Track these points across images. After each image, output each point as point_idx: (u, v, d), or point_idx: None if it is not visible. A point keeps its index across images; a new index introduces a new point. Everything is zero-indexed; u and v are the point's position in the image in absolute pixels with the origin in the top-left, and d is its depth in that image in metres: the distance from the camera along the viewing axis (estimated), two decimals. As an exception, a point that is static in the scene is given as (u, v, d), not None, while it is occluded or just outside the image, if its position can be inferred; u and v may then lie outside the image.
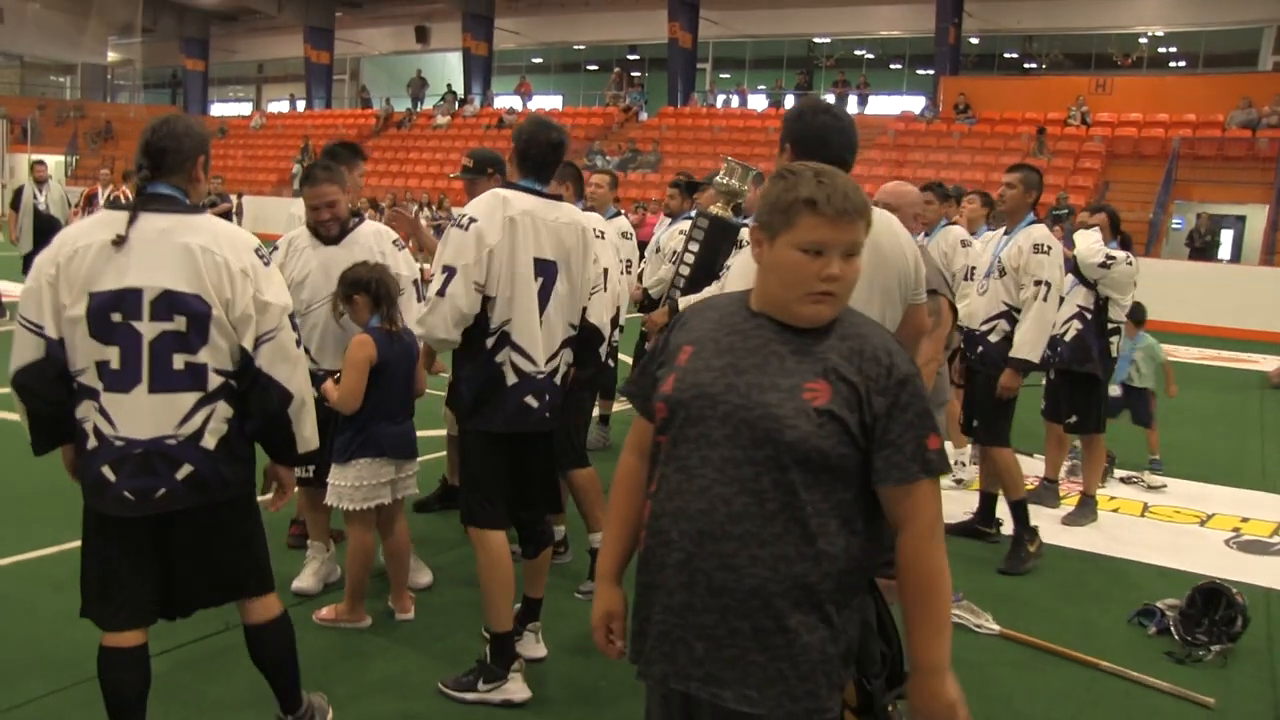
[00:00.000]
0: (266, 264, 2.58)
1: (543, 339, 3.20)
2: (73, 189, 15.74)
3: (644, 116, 27.19)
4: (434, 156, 25.97)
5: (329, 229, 3.85)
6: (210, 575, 2.63)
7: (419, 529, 4.54)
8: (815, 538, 1.70)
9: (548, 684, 3.41)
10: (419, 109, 30.07)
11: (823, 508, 1.71)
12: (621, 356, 6.33)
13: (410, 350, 3.68)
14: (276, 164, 27.68)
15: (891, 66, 29.99)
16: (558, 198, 3.35)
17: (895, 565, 1.85)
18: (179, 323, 2.43)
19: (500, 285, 3.10)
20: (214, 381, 2.49)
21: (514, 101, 29.15)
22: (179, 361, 2.44)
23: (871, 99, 26.38)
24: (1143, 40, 25.69)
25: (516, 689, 3.26)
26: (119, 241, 2.41)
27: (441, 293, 3.06)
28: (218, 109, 37.81)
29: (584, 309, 3.36)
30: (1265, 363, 12.22)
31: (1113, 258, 5.41)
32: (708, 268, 4.21)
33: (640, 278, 6.27)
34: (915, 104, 24.49)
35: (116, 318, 2.41)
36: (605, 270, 4.10)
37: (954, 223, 6.03)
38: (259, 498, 2.71)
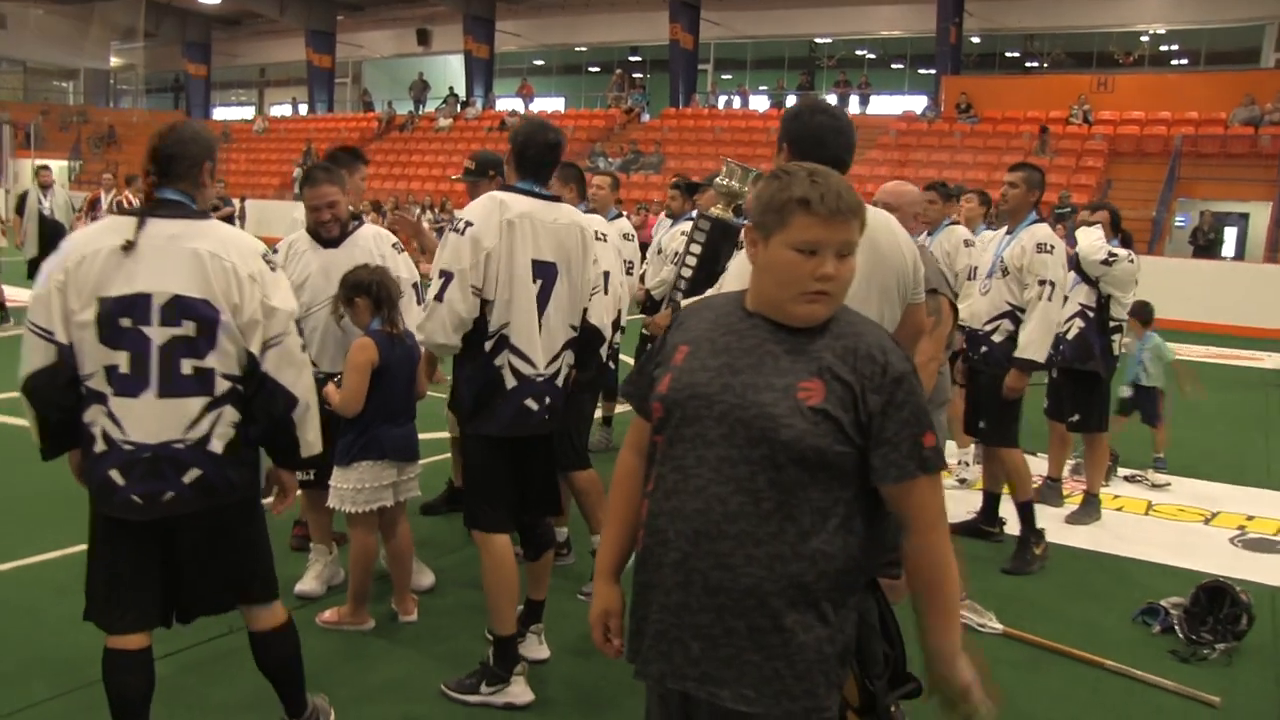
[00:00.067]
0: (274, 269, 2.60)
1: (543, 341, 3.19)
2: (76, 194, 15.77)
3: (646, 118, 27.23)
4: (436, 159, 26.00)
5: (329, 230, 3.86)
6: (215, 579, 2.64)
7: (422, 531, 4.55)
8: (811, 536, 1.71)
9: (550, 685, 3.41)
10: (421, 112, 30.12)
11: (819, 506, 1.72)
12: (623, 358, 6.33)
13: (411, 353, 3.68)
14: (279, 168, 27.72)
15: (893, 66, 29.99)
16: (556, 198, 3.34)
17: (900, 562, 1.86)
18: (188, 328, 2.45)
19: (498, 289, 3.10)
20: (221, 386, 2.51)
21: (516, 104, 29.18)
22: (187, 366, 2.46)
23: (873, 99, 26.39)
24: (1144, 38, 25.65)
25: (519, 692, 3.26)
26: (128, 247, 2.43)
27: (439, 298, 3.06)
28: (220, 113, 37.90)
29: (584, 310, 3.36)
30: (1269, 360, 12.21)
31: (1115, 255, 5.41)
32: (709, 269, 4.21)
33: (642, 279, 6.27)
34: (917, 104, 24.49)
35: (126, 323, 2.43)
36: (607, 273, 4.10)
37: (955, 222, 6.02)
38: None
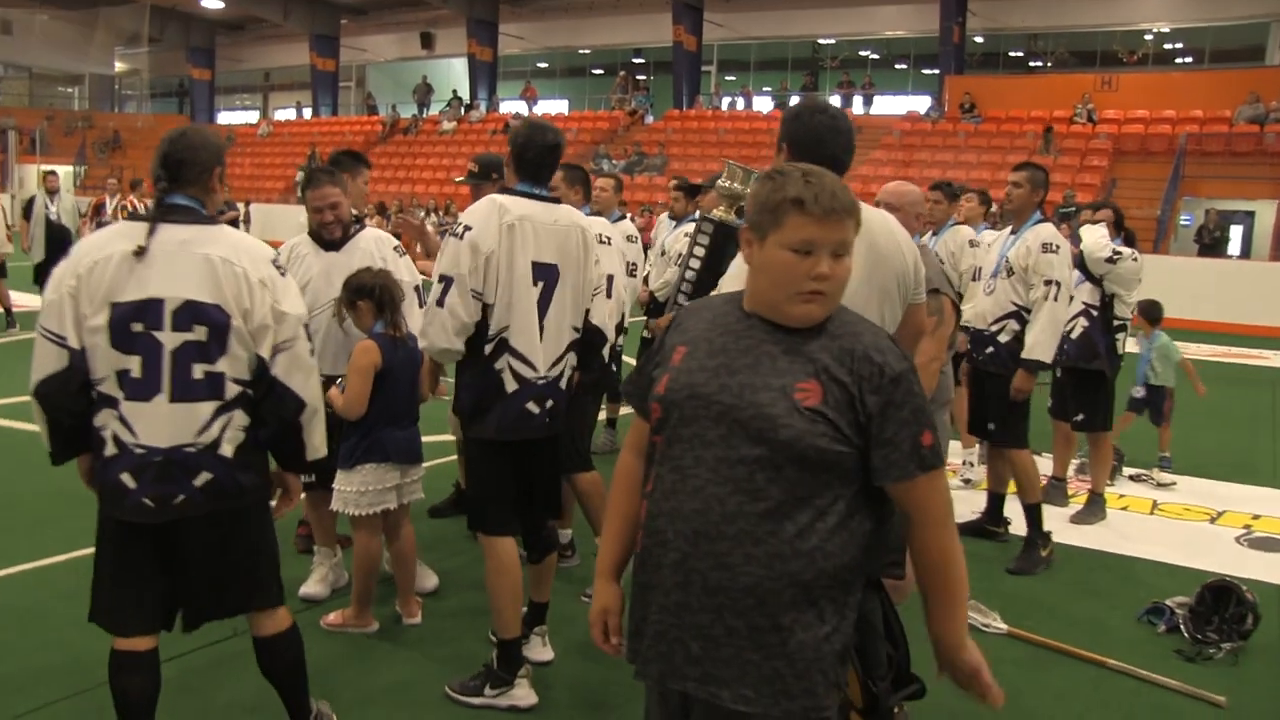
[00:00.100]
0: (283, 274, 2.62)
1: (545, 344, 3.19)
2: (81, 199, 15.83)
3: (649, 120, 27.25)
4: (440, 162, 26.06)
5: (331, 231, 3.87)
6: (223, 583, 2.65)
7: (425, 533, 4.55)
8: (810, 534, 1.71)
9: (554, 687, 3.41)
10: (425, 115, 30.18)
11: (818, 504, 1.72)
12: (626, 359, 6.33)
13: (414, 356, 3.68)
14: (284, 172, 27.80)
15: (896, 66, 29.96)
16: (556, 200, 3.34)
17: (903, 563, 1.86)
18: (199, 333, 2.47)
19: (498, 291, 3.10)
20: (231, 390, 2.52)
21: (520, 106, 29.21)
22: (198, 371, 2.48)
23: (877, 99, 26.40)
24: (1148, 37, 25.60)
25: (523, 695, 3.26)
26: (140, 252, 2.44)
27: (440, 303, 3.07)
28: (225, 117, 38.01)
29: (586, 311, 3.36)
30: (1275, 358, 12.18)
31: (1119, 253, 5.40)
32: (714, 273, 4.20)
33: (646, 280, 6.27)
34: (920, 104, 24.48)
35: (138, 328, 2.44)
36: (610, 276, 4.10)
37: (960, 223, 6.02)
38: (263, 503, 2.73)
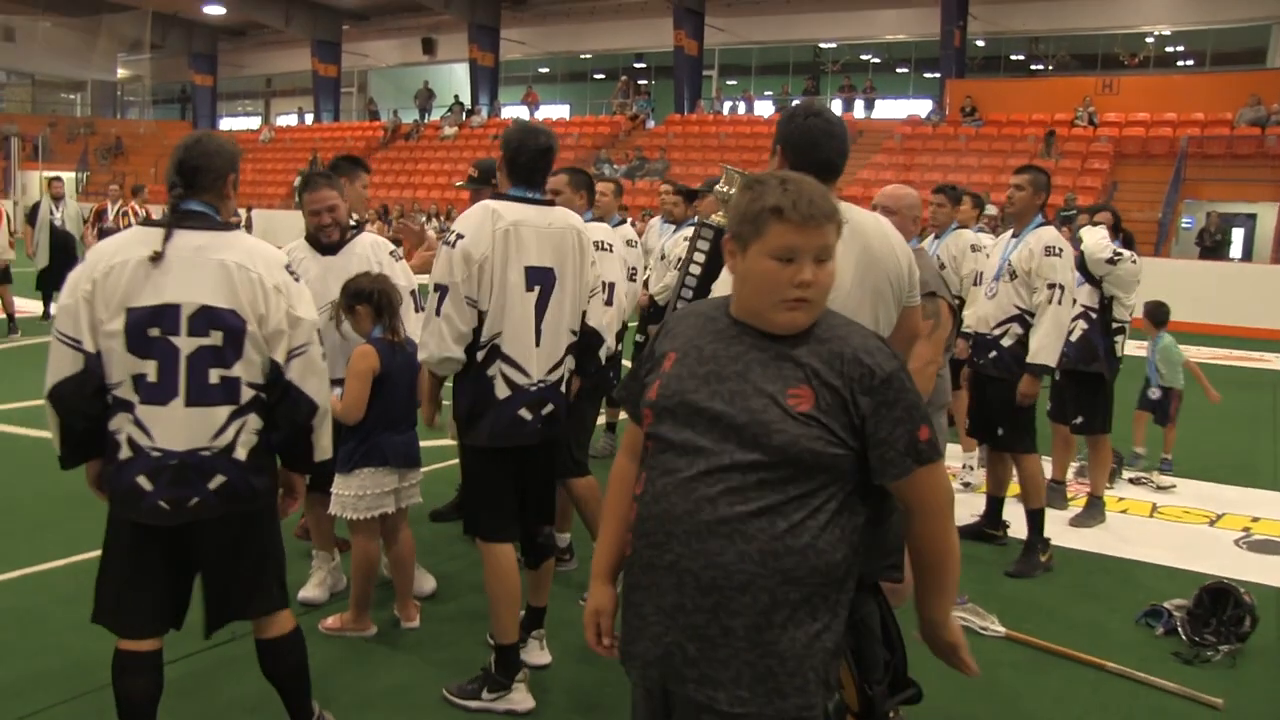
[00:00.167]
0: (296, 280, 2.64)
1: (542, 349, 3.19)
2: (83, 205, 15.88)
3: (651, 124, 27.29)
4: (442, 167, 26.09)
5: (329, 235, 3.88)
6: (229, 586, 2.67)
7: (424, 537, 4.55)
8: (802, 531, 1.72)
9: (552, 692, 3.41)
10: (426, 120, 30.22)
11: (811, 503, 1.73)
12: (626, 363, 6.33)
13: (412, 360, 3.69)
14: (286, 177, 27.82)
15: (897, 70, 30.01)
16: (549, 202, 3.34)
17: (905, 560, 1.88)
18: (215, 338, 2.49)
19: (491, 297, 3.10)
20: (246, 395, 2.55)
21: (521, 111, 29.24)
22: (214, 376, 2.50)
23: (878, 103, 26.42)
24: (1149, 39, 25.62)
25: (520, 699, 3.26)
26: (156, 258, 2.46)
27: (437, 312, 3.07)
28: (226, 123, 38.09)
29: (583, 313, 3.36)
30: (1276, 361, 12.17)
31: (1120, 254, 5.40)
32: (713, 277, 4.20)
33: (646, 284, 6.28)
34: (922, 107, 24.52)
35: (154, 332, 2.46)
36: (612, 284, 4.10)
37: (962, 226, 6.01)
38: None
